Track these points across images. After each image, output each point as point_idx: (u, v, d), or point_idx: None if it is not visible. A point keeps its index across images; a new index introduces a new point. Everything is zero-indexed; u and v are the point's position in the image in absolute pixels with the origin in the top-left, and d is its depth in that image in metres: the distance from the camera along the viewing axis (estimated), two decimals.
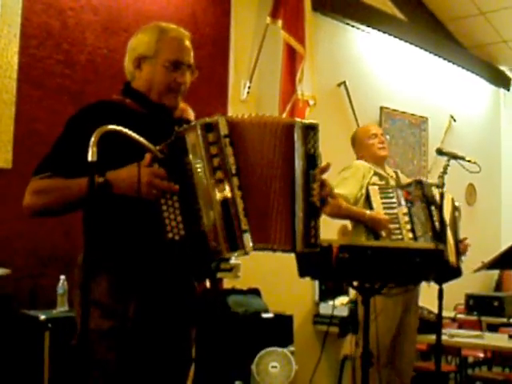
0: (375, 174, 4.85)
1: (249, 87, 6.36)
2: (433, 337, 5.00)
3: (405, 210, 4.59)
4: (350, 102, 7.48)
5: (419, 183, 4.71)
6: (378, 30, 7.92)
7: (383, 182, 4.80)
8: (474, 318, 7.12)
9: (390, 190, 4.68)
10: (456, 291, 7.35)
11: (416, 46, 8.52)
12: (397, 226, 4.55)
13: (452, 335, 5.65)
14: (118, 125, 2.24)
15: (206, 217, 2.26)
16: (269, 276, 6.06)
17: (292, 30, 6.31)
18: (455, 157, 4.58)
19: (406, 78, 8.50)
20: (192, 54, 2.71)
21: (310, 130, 2.44)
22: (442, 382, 6.33)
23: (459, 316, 7.36)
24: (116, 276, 2.44)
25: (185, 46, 2.68)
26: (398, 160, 8.23)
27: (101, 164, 2.20)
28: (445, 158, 4.55)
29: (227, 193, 2.26)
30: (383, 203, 4.60)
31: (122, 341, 2.41)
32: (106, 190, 2.27)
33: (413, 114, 8.56)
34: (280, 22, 6.29)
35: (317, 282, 6.78)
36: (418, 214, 4.59)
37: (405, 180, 5.05)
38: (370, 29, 7.84)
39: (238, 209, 2.27)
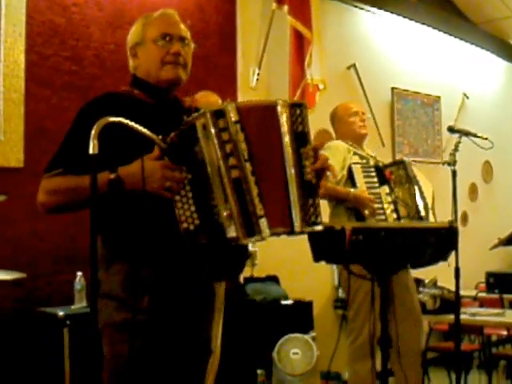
0: (355, 154, 4.78)
1: (258, 74, 6.34)
2: (453, 317, 4.96)
3: (387, 189, 4.53)
4: (361, 84, 7.44)
5: (401, 163, 4.65)
6: (386, 11, 7.86)
7: (364, 161, 4.73)
8: (495, 295, 7.07)
9: (372, 169, 4.62)
10: (476, 270, 7.34)
11: (425, 24, 8.46)
12: (380, 206, 4.49)
13: (473, 314, 5.61)
14: (126, 116, 2.22)
15: (221, 204, 2.23)
16: (286, 263, 6.05)
17: (298, 15, 6.28)
18: (467, 134, 4.54)
19: (416, 57, 8.44)
20: (183, 27, 2.68)
21: (296, 108, 2.38)
22: (463, 361, 6.31)
23: (480, 295, 7.31)
24: (130, 268, 2.41)
25: (171, 19, 2.68)
26: (411, 140, 8.20)
27: (108, 157, 2.21)
28: (456, 136, 4.51)
29: (242, 179, 2.24)
30: (366, 182, 4.54)
31: (135, 334, 2.39)
32: (118, 186, 2.25)
33: (425, 94, 8.50)
34: (286, 8, 6.26)
35: (336, 267, 6.76)
36: (402, 193, 4.53)
37: (379, 160, 4.99)
38: (377, 9, 7.78)
39: (253, 194, 2.24)
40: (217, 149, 2.22)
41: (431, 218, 4.43)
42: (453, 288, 5.15)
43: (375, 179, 4.55)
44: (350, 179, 4.56)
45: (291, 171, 2.33)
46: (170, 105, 2.66)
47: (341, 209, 4.60)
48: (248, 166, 2.25)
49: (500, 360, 6.83)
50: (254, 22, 6.47)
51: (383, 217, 4.45)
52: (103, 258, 2.42)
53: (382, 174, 4.56)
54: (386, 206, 4.48)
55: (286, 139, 2.33)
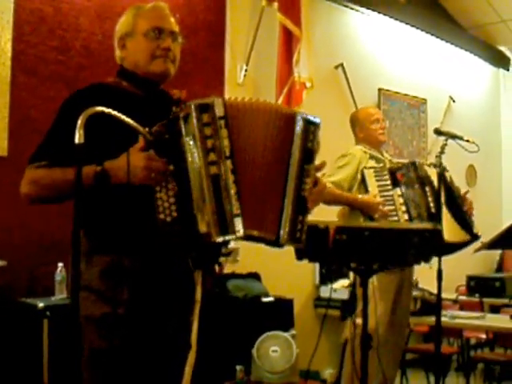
0: (371, 157, 4.91)
1: (245, 70, 6.33)
2: (434, 318, 4.97)
3: (399, 191, 4.61)
4: (348, 84, 7.44)
5: (413, 164, 4.74)
6: (375, 11, 7.86)
7: (381, 165, 4.81)
8: (475, 299, 7.11)
9: (385, 173, 4.71)
10: (457, 273, 7.36)
11: (414, 26, 8.47)
12: (392, 207, 4.57)
13: (453, 317, 5.63)
14: (113, 107, 2.21)
15: (196, 199, 2.22)
16: (268, 260, 6.03)
17: (288, 12, 6.26)
18: (453, 136, 4.56)
19: (404, 59, 8.46)
20: (173, 21, 2.69)
21: (312, 125, 2.42)
22: (443, 363, 6.33)
23: (461, 298, 7.35)
24: (110, 261, 2.41)
25: (162, 13, 2.68)
26: (397, 141, 8.21)
27: (94, 148, 2.19)
28: (443, 138, 4.53)
29: (220, 175, 2.22)
30: (378, 186, 4.64)
31: (114, 328, 2.38)
32: (103, 179, 2.24)
33: (411, 96, 8.52)
34: (276, 5, 6.24)
35: (317, 265, 6.77)
36: (413, 195, 4.62)
37: (395, 162, 5.08)
38: (367, 10, 7.78)
39: (230, 192, 2.23)
40: (198, 143, 2.21)
41: (446, 215, 4.51)
42: (433, 290, 5.18)
43: (388, 182, 4.65)
44: (363, 182, 4.65)
45: (291, 184, 2.34)
46: (159, 97, 2.65)
47: (357, 211, 4.68)
48: (228, 163, 2.24)
49: (478, 363, 6.88)
50: (243, 18, 6.45)
51: (396, 218, 4.57)
52: (84, 250, 2.39)
53: (394, 176, 4.67)
54: (398, 207, 4.55)
55: (296, 153, 2.35)
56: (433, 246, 3.26)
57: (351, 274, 4.80)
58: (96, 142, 2.22)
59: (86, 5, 5.25)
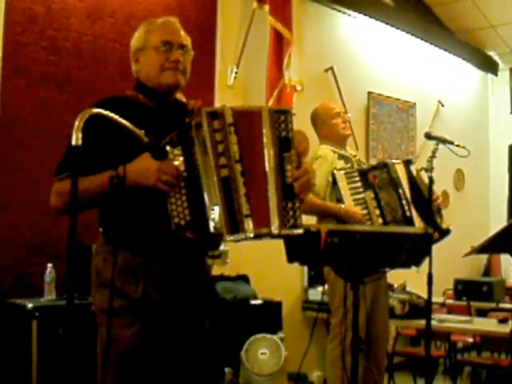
0: (340, 157, 4.79)
1: (236, 73, 6.32)
2: (422, 322, 4.98)
3: (372, 194, 4.51)
4: (338, 87, 7.45)
5: (385, 166, 4.61)
6: (365, 15, 7.88)
7: (349, 165, 4.73)
8: (463, 303, 7.11)
9: (356, 174, 4.58)
10: (445, 276, 7.37)
11: (403, 30, 8.49)
12: (365, 211, 4.48)
13: (441, 320, 5.64)
14: (126, 118, 2.32)
15: (208, 201, 2.35)
16: (257, 262, 6.04)
17: (279, 15, 6.28)
18: (444, 141, 4.54)
19: (393, 63, 8.48)
20: (183, 34, 2.80)
21: (282, 115, 2.49)
22: (430, 367, 6.34)
23: (448, 301, 7.36)
24: (125, 259, 2.52)
25: (172, 27, 2.80)
26: (386, 145, 8.24)
27: (95, 151, 2.40)
28: (433, 143, 4.52)
29: (230, 178, 2.35)
30: (350, 188, 4.52)
31: (132, 320, 2.52)
32: (118, 183, 2.34)
33: (401, 99, 8.54)
34: (267, 7, 6.25)
35: (305, 268, 6.77)
36: (387, 198, 4.51)
37: (362, 161, 5.00)
38: (357, 14, 7.80)
39: (240, 194, 2.36)
40: (209, 148, 2.34)
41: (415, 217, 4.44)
42: (421, 293, 5.19)
43: (359, 184, 4.53)
44: (334, 185, 4.56)
45: (271, 173, 2.43)
46: (172, 108, 2.75)
47: (331, 219, 4.56)
48: (238, 167, 2.37)
49: (465, 367, 6.90)
50: (234, 20, 6.46)
51: (369, 222, 4.44)
52: (103, 249, 2.60)
53: (365, 178, 4.54)
54: (372, 210, 4.47)
55: (268, 143, 2.44)
56: (423, 249, 3.27)
57: (331, 281, 4.66)
58: (96, 144, 2.39)
59: (77, 5, 5.23)
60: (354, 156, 4.93)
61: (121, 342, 2.49)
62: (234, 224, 2.33)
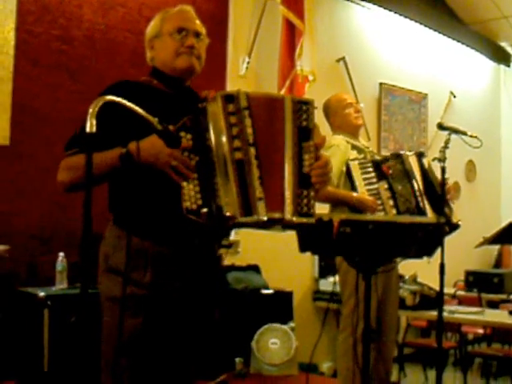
0: (353, 147, 4.78)
1: (248, 63, 6.32)
2: (433, 313, 4.98)
3: (386, 185, 4.51)
4: (350, 77, 7.44)
5: (399, 156, 4.60)
6: (378, 6, 7.87)
7: (362, 155, 4.74)
8: (473, 294, 7.11)
9: (369, 165, 4.57)
10: (456, 268, 7.37)
11: (416, 21, 8.47)
12: (379, 201, 4.49)
13: (452, 312, 5.63)
14: (142, 104, 2.29)
15: (221, 183, 2.34)
16: (268, 252, 6.04)
17: (291, 5, 6.26)
18: (456, 131, 4.53)
19: (405, 53, 8.45)
20: (198, 23, 2.80)
21: (304, 105, 2.51)
22: (441, 358, 6.34)
23: (459, 293, 7.35)
24: (135, 244, 2.49)
25: (187, 15, 2.80)
26: (397, 136, 8.22)
27: (108, 137, 2.36)
28: (446, 133, 4.51)
29: (245, 161, 2.34)
30: (364, 179, 4.53)
31: (138, 308, 2.49)
32: (128, 160, 2.34)
33: (412, 90, 8.52)
34: None
35: (316, 258, 6.77)
36: (400, 188, 4.52)
37: (374, 152, 5.01)
38: (370, 4, 7.79)
39: (254, 177, 2.35)
40: (223, 130, 2.34)
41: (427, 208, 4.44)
42: (432, 285, 5.18)
43: (373, 174, 4.53)
44: (348, 175, 4.56)
45: (289, 161, 2.43)
46: (186, 94, 2.75)
47: (344, 207, 4.58)
48: (252, 150, 2.36)
49: (475, 358, 6.89)
50: (246, 10, 6.45)
51: (383, 213, 4.44)
52: (112, 234, 2.58)
53: (379, 169, 4.54)
54: (385, 201, 4.47)
55: (289, 130, 2.45)
56: (436, 239, 3.26)
57: (342, 272, 4.67)
58: (110, 130, 2.37)
59: None
60: (367, 147, 4.93)
61: (124, 331, 2.45)
62: (247, 207, 2.31)
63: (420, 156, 4.63)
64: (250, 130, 2.36)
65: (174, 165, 2.34)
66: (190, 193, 2.35)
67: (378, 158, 4.77)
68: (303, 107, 2.49)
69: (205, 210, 2.33)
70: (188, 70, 2.72)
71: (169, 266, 2.54)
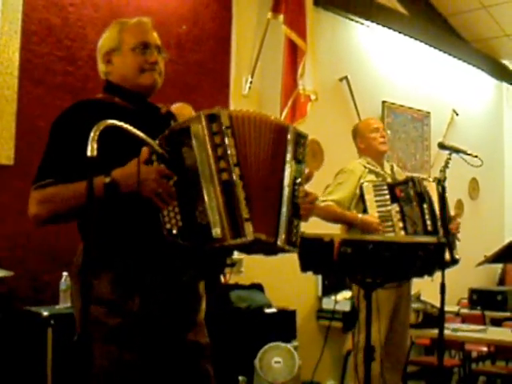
0: (370, 171, 4.89)
1: (250, 82, 6.35)
2: (436, 331, 4.96)
3: (397, 207, 4.61)
4: (352, 96, 7.46)
5: (411, 181, 4.74)
6: (380, 25, 7.90)
7: (379, 179, 4.82)
8: (477, 312, 7.11)
9: (384, 187, 4.70)
10: (459, 286, 7.37)
11: (418, 40, 8.50)
12: (390, 223, 4.57)
13: (455, 329, 5.64)
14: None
15: (208, 205, 2.29)
16: (271, 271, 6.05)
17: (293, 25, 6.30)
18: (457, 150, 4.56)
19: (408, 72, 8.48)
20: (156, 35, 2.73)
21: (302, 138, 2.55)
22: (445, 376, 6.33)
23: (462, 311, 7.35)
24: (118, 271, 2.43)
25: (147, 28, 2.72)
26: (400, 155, 8.23)
27: (102, 163, 2.17)
28: (447, 152, 4.54)
29: (231, 182, 2.30)
30: (376, 201, 4.63)
31: (127, 340, 2.41)
32: (113, 189, 2.27)
33: (415, 109, 8.55)
34: (281, 17, 6.29)
35: (320, 277, 6.78)
36: (410, 212, 4.61)
37: (400, 174, 5.07)
38: (371, 23, 7.82)
39: (240, 198, 2.30)
40: (209, 152, 2.29)
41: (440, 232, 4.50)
42: (435, 303, 5.18)
43: (387, 197, 4.63)
44: (361, 197, 4.66)
45: (287, 190, 2.45)
46: (149, 110, 2.70)
47: (357, 230, 4.67)
48: (237, 170, 2.32)
49: (479, 376, 6.87)
50: (249, 30, 6.49)
51: (393, 234, 4.55)
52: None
53: (393, 192, 4.65)
54: (395, 223, 4.55)
55: (290, 162, 2.47)
56: (437, 259, 3.28)
57: (354, 287, 4.76)
58: (103, 156, 2.19)
59: (93, 16, 5.28)
60: (391, 169, 5.02)
61: (121, 369, 2.40)
62: (235, 228, 2.27)
63: (439, 182, 4.66)
64: (232, 150, 2.32)
65: (159, 192, 2.29)
66: (170, 214, 2.32)
67: (395, 180, 4.85)
68: (301, 140, 2.53)
69: (185, 234, 2.31)
70: (151, 87, 2.67)
71: (156, 291, 2.47)
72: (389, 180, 4.88)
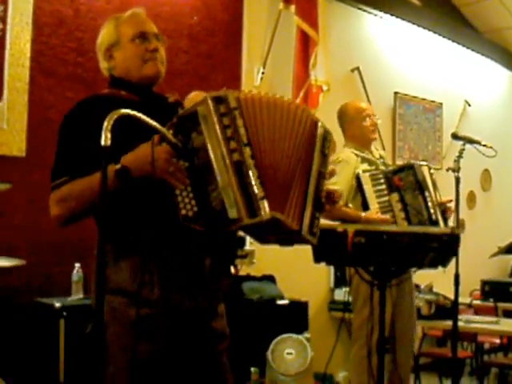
0: (363, 160, 4.73)
1: (262, 73, 6.33)
2: (448, 323, 4.96)
3: (397, 197, 4.45)
4: (364, 87, 7.44)
5: (411, 168, 4.54)
6: (392, 15, 7.88)
7: (373, 167, 4.68)
8: (489, 304, 7.08)
9: (381, 176, 4.54)
10: (472, 277, 7.34)
11: (430, 30, 8.47)
12: (390, 214, 4.42)
13: (468, 321, 5.62)
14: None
15: (223, 186, 2.26)
16: (284, 263, 6.04)
17: (305, 16, 6.28)
18: (471, 141, 4.52)
19: (420, 63, 8.45)
20: (153, 25, 2.73)
21: (329, 135, 2.57)
22: (457, 368, 6.32)
23: (475, 302, 7.33)
24: (136, 260, 2.41)
25: (142, 18, 2.73)
26: (412, 145, 8.21)
27: (113, 154, 2.17)
28: (460, 143, 4.50)
29: (242, 162, 2.28)
30: (375, 191, 4.48)
31: (147, 329, 2.40)
32: (125, 175, 2.25)
33: (427, 100, 8.51)
34: (293, 8, 6.27)
35: (332, 269, 6.77)
36: (412, 200, 4.44)
37: (387, 159, 4.95)
38: (383, 14, 7.79)
39: (253, 176, 2.27)
40: (218, 133, 2.27)
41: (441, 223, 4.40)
42: (448, 294, 5.16)
43: (384, 186, 4.48)
44: (359, 188, 4.51)
45: (313, 182, 2.45)
46: (155, 100, 2.69)
47: None
48: (248, 150, 2.29)
49: (491, 367, 6.86)
50: (260, 20, 6.47)
51: (394, 225, 4.37)
52: (109, 254, 2.40)
53: (391, 180, 4.48)
54: (397, 213, 4.42)
55: (317, 155, 2.48)
56: (451, 249, 3.26)
57: (354, 280, 4.62)
58: (115, 146, 2.19)
59: (104, 7, 5.27)
60: (380, 157, 4.89)
61: (129, 354, 2.36)
62: (251, 208, 2.24)
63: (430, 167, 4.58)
64: (242, 131, 2.30)
65: (171, 171, 2.28)
66: (185, 200, 2.31)
67: (389, 168, 4.71)
68: (328, 136, 2.55)
69: (200, 218, 2.30)
70: (155, 76, 2.67)
71: (176, 279, 2.46)
72: (382, 167, 4.74)
